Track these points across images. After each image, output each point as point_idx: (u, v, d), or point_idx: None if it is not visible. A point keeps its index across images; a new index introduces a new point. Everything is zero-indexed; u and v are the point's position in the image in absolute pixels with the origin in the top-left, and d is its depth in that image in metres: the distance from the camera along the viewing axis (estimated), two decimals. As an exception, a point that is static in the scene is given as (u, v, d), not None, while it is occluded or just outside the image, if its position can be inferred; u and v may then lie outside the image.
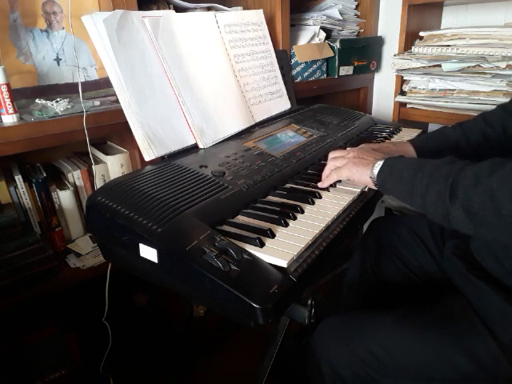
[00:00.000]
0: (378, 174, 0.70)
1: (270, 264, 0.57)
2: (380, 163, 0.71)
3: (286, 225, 0.66)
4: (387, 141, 1.10)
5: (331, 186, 0.81)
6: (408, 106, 1.45)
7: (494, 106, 1.22)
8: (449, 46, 1.27)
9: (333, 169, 0.79)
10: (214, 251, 0.56)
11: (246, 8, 1.27)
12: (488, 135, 0.86)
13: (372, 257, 1.02)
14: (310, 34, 1.38)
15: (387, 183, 0.69)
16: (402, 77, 1.43)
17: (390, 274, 0.99)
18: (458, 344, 0.67)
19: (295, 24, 1.42)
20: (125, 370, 1.17)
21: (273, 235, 0.63)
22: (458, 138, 0.88)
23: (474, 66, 1.24)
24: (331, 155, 0.83)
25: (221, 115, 0.99)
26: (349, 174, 0.76)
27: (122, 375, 1.14)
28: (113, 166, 1.04)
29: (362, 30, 1.59)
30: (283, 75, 1.24)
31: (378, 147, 0.87)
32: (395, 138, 1.14)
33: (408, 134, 1.18)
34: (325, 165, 0.93)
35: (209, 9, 1.14)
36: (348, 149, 0.82)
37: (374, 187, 0.73)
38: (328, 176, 0.79)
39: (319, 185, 0.80)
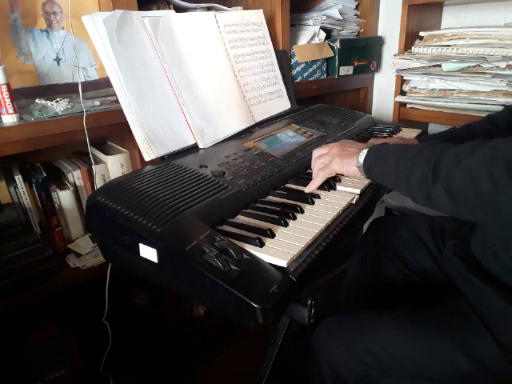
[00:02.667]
0: (363, 162, 0.72)
1: (270, 264, 0.57)
2: (365, 151, 0.72)
3: (286, 225, 0.66)
4: (394, 135, 1.10)
5: (331, 187, 0.80)
6: (408, 105, 1.45)
7: (494, 106, 1.23)
8: (449, 45, 1.27)
9: (320, 167, 0.79)
10: (214, 251, 0.56)
11: (245, 8, 1.27)
12: (493, 133, 0.87)
13: (372, 257, 1.02)
14: (310, 34, 1.38)
15: (373, 169, 0.70)
16: (402, 77, 1.43)
17: (389, 274, 0.99)
18: (458, 344, 0.67)
19: (295, 24, 1.42)
20: (125, 370, 1.17)
21: (273, 235, 0.63)
22: (463, 135, 0.90)
23: (474, 66, 1.24)
24: (315, 154, 0.83)
25: (221, 115, 0.99)
26: (337, 167, 0.76)
27: (121, 375, 1.14)
28: (113, 166, 1.05)
29: (362, 30, 1.59)
30: (283, 75, 1.24)
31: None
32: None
33: (408, 134, 1.18)
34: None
35: (209, 9, 1.14)
36: (330, 145, 0.82)
37: (362, 175, 0.74)
38: (315, 176, 0.78)
39: (306, 190, 0.78)
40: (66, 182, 1.03)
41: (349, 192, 0.79)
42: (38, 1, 0.94)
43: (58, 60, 0.99)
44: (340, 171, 0.77)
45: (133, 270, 0.68)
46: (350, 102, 1.71)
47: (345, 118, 1.25)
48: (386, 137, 1.10)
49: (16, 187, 0.94)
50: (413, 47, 1.35)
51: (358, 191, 0.78)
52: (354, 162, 0.74)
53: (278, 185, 0.82)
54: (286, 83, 1.24)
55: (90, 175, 1.05)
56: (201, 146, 0.93)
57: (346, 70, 1.47)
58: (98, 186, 1.02)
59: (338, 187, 0.81)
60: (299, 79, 1.36)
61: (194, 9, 1.11)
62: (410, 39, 1.41)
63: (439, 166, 0.58)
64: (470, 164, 0.54)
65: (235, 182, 0.77)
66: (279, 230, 0.64)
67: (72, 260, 0.98)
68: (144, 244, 0.60)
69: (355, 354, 0.73)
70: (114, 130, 0.94)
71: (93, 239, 1.03)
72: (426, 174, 0.59)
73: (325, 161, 0.79)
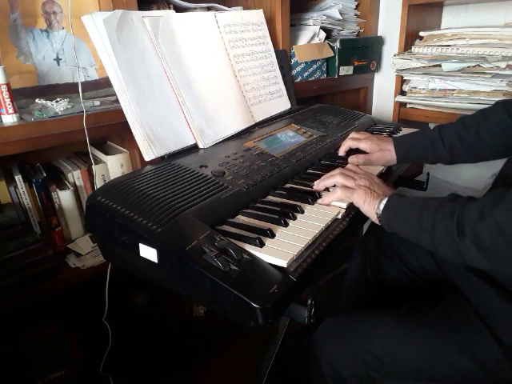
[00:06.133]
0: (382, 212, 0.70)
1: (270, 264, 0.57)
2: (385, 201, 0.70)
3: (286, 225, 0.66)
4: (375, 134, 1.10)
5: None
6: (408, 106, 1.45)
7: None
8: (449, 46, 1.27)
9: (339, 186, 0.76)
10: (214, 251, 0.56)
11: (246, 8, 1.27)
12: (462, 136, 0.87)
13: (372, 257, 1.02)
14: (310, 34, 1.38)
15: (393, 223, 0.68)
16: (402, 77, 1.43)
17: (389, 275, 0.99)
18: (458, 344, 0.67)
19: (295, 24, 1.42)
20: (125, 370, 1.17)
21: (273, 235, 0.63)
22: (433, 137, 0.90)
23: (474, 66, 1.24)
24: (340, 169, 0.80)
25: (221, 115, 0.99)
26: (357, 200, 0.73)
27: (122, 375, 1.14)
28: (113, 166, 1.04)
29: (362, 30, 1.59)
30: (283, 75, 1.24)
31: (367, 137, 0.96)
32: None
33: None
34: (325, 165, 0.94)
35: (209, 9, 1.14)
36: (361, 170, 0.80)
37: (378, 223, 0.71)
38: (334, 192, 0.75)
39: (320, 202, 0.75)
40: (66, 182, 1.03)
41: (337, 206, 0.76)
42: (37, 1, 0.94)
43: (58, 60, 0.99)
44: (357, 205, 0.74)
45: (133, 270, 0.68)
46: (350, 102, 1.71)
47: (345, 118, 1.25)
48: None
49: (16, 187, 0.94)
50: (413, 47, 1.35)
51: (344, 205, 0.75)
52: (375, 207, 0.71)
53: (278, 185, 0.82)
54: (285, 83, 1.24)
55: (90, 175, 1.05)
56: (201, 145, 0.93)
57: (345, 70, 1.47)
58: (98, 186, 1.02)
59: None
60: (299, 79, 1.36)
61: (194, 9, 1.11)
62: (409, 39, 1.41)
63: (463, 222, 0.57)
64: (494, 218, 0.54)
65: (235, 182, 0.77)
66: (279, 230, 0.64)
67: (72, 260, 0.98)
68: (144, 244, 0.60)
69: (356, 355, 0.73)
70: (114, 130, 0.93)
71: (93, 239, 1.03)
72: (450, 231, 0.59)
73: (348, 184, 0.75)
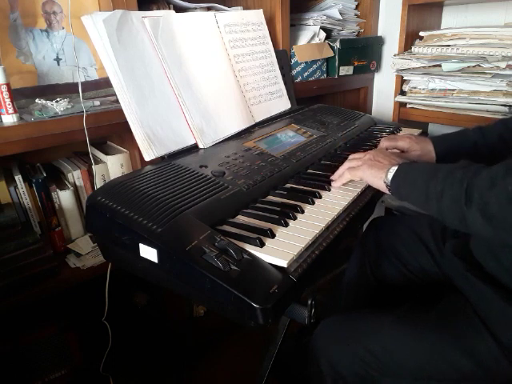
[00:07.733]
0: (392, 180, 0.70)
1: (270, 264, 0.57)
2: (394, 168, 0.71)
3: (286, 225, 0.66)
4: (408, 133, 1.10)
5: (331, 185, 0.81)
6: (408, 105, 1.45)
7: (494, 106, 1.23)
8: (449, 45, 1.27)
9: (349, 168, 0.80)
10: (214, 251, 0.56)
11: (246, 8, 1.27)
12: (504, 137, 0.87)
13: (371, 257, 1.02)
14: (310, 34, 1.38)
15: (401, 189, 0.69)
16: (402, 77, 1.43)
17: (388, 275, 0.99)
18: (457, 344, 0.67)
19: (295, 24, 1.42)
20: (125, 370, 1.17)
21: (273, 235, 0.63)
22: (476, 138, 0.90)
23: (474, 66, 1.24)
24: (350, 157, 0.84)
25: (221, 115, 0.99)
26: (362, 175, 0.76)
27: (121, 375, 1.14)
28: (113, 166, 1.05)
29: (362, 30, 1.59)
30: (283, 75, 1.24)
31: (400, 138, 0.94)
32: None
33: (408, 134, 1.17)
34: (325, 165, 0.94)
35: (209, 9, 1.14)
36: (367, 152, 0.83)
37: (388, 192, 0.72)
38: (341, 175, 0.80)
39: (333, 184, 0.81)
40: (66, 182, 1.03)
41: (349, 191, 0.79)
42: (37, 1, 0.94)
43: (58, 60, 0.99)
44: (364, 179, 0.77)
45: (133, 269, 0.68)
46: (350, 102, 1.71)
47: (345, 118, 1.25)
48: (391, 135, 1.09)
49: (16, 187, 0.94)
50: (413, 47, 1.35)
51: (358, 190, 0.79)
52: (382, 176, 0.72)
53: (278, 185, 0.82)
54: (285, 83, 1.24)
55: (90, 175, 1.05)
56: (201, 145, 0.93)
57: (345, 70, 1.47)
58: (98, 186, 1.02)
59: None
60: (299, 79, 1.36)
61: (194, 9, 1.11)
62: (410, 39, 1.41)
63: (472, 189, 0.56)
64: (505, 186, 0.53)
65: (235, 182, 0.77)
66: (279, 230, 0.64)
67: (72, 260, 0.98)
68: (144, 244, 0.60)
69: (355, 354, 0.73)
70: (114, 130, 0.93)
71: (93, 239, 1.03)
72: (458, 197, 0.58)
73: (353, 164, 0.79)
